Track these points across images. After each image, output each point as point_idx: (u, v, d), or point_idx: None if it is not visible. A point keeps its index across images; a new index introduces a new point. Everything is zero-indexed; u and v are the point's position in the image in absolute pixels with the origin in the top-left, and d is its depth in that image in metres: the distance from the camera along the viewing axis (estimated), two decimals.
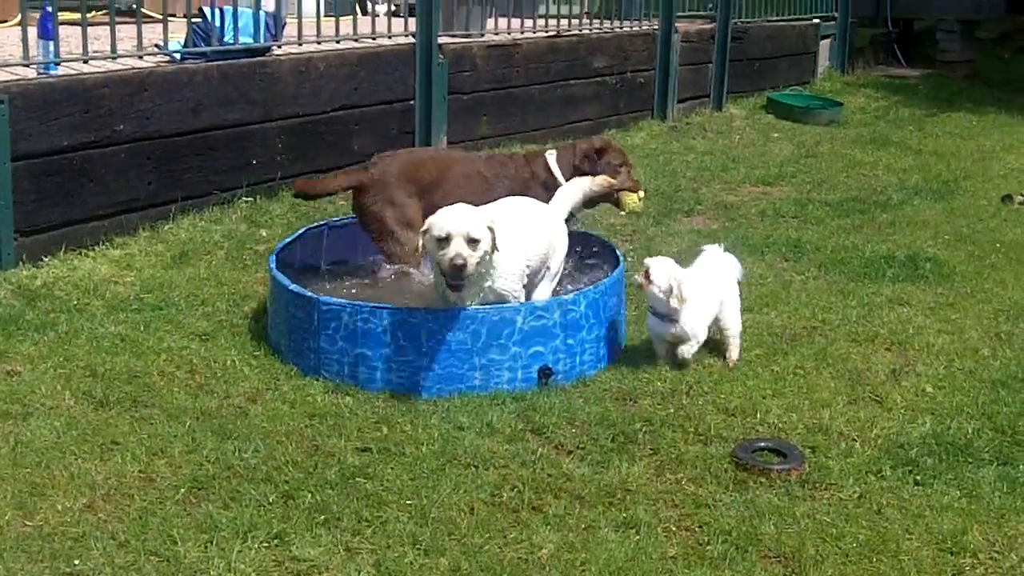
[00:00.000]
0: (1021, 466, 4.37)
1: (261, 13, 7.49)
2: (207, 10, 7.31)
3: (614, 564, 3.63)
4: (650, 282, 5.11)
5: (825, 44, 14.33)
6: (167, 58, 7.07)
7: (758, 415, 4.75)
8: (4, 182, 5.89)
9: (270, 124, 7.34)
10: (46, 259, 6.10)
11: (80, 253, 6.24)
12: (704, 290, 5.20)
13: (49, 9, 6.32)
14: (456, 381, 4.88)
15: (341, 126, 7.80)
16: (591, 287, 5.24)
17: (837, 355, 5.42)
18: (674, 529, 3.87)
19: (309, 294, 5.05)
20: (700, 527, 3.88)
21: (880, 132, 11.37)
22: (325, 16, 8.15)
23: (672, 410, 4.75)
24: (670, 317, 5.14)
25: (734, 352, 5.32)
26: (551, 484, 4.13)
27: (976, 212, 8.37)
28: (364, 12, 10.31)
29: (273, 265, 5.35)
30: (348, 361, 4.92)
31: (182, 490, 4.00)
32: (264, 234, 6.76)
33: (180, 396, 4.74)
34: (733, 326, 5.34)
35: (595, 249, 6.06)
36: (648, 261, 5.19)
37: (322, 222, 6.24)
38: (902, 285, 6.53)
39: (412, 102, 8.33)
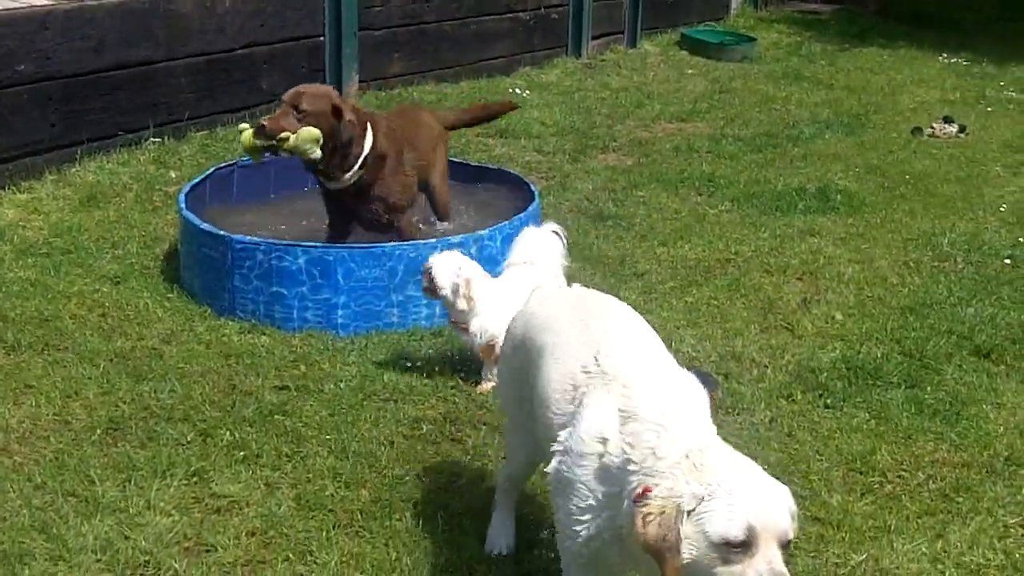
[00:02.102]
0: (928, 388, 4.51)
1: None
2: None
3: (534, 489, 3.67)
4: (433, 284, 4.42)
5: None
6: None
7: (673, 345, 4.79)
8: None
9: (175, 62, 7.16)
10: None
11: None
12: (511, 287, 4.32)
13: None
14: (374, 318, 4.87)
15: (249, 64, 7.64)
16: (506, 222, 5.24)
17: (750, 285, 5.51)
18: None
19: (222, 233, 4.98)
20: None
21: (792, 67, 11.46)
22: None
23: None
24: (459, 324, 4.45)
25: None
26: (470, 417, 4.16)
27: (886, 144, 8.52)
28: None
29: (183, 205, 5.25)
30: (264, 300, 4.88)
31: (98, 431, 3.96)
32: (173, 175, 6.63)
33: (93, 339, 4.67)
34: None
35: (507, 182, 6.08)
36: (431, 259, 4.47)
37: (231, 162, 6.14)
38: (813, 217, 6.64)
39: (322, 39, 8.20)
